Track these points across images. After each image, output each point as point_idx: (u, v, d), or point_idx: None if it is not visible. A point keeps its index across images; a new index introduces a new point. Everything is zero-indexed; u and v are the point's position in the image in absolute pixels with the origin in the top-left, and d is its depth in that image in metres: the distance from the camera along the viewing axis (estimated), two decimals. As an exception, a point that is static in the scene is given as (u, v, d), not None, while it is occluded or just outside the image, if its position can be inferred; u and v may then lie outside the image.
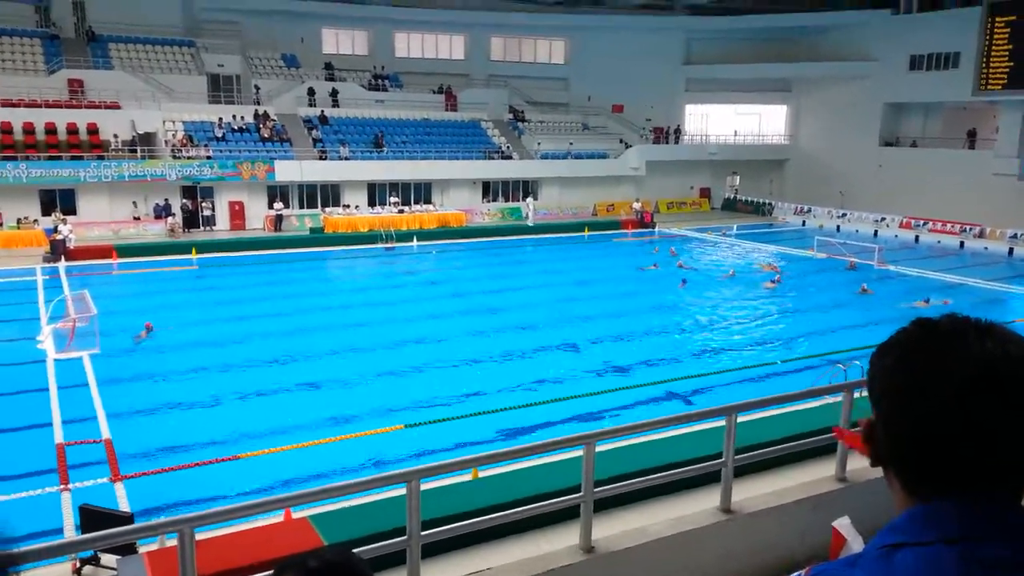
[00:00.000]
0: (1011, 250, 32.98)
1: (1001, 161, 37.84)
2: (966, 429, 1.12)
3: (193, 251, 29.15)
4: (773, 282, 25.70)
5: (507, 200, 41.35)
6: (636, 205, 40.84)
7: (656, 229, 38.54)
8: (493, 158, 40.45)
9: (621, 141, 45.16)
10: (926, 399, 1.14)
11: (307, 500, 5.20)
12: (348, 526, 6.46)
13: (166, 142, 33.98)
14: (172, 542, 6.01)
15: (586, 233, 37.22)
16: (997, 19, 36.67)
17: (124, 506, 9.72)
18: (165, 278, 26.03)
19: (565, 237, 36.37)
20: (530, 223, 38.29)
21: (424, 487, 4.99)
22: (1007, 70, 36.58)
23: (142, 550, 6.60)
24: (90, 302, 18.75)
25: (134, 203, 32.86)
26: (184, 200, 33.67)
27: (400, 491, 5.10)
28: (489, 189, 41.01)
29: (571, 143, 42.71)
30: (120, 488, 10.47)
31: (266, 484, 10.51)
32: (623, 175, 43.40)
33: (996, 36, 36.76)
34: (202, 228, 34.01)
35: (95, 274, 25.74)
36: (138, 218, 32.80)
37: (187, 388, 14.67)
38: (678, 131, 48.08)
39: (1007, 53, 36.46)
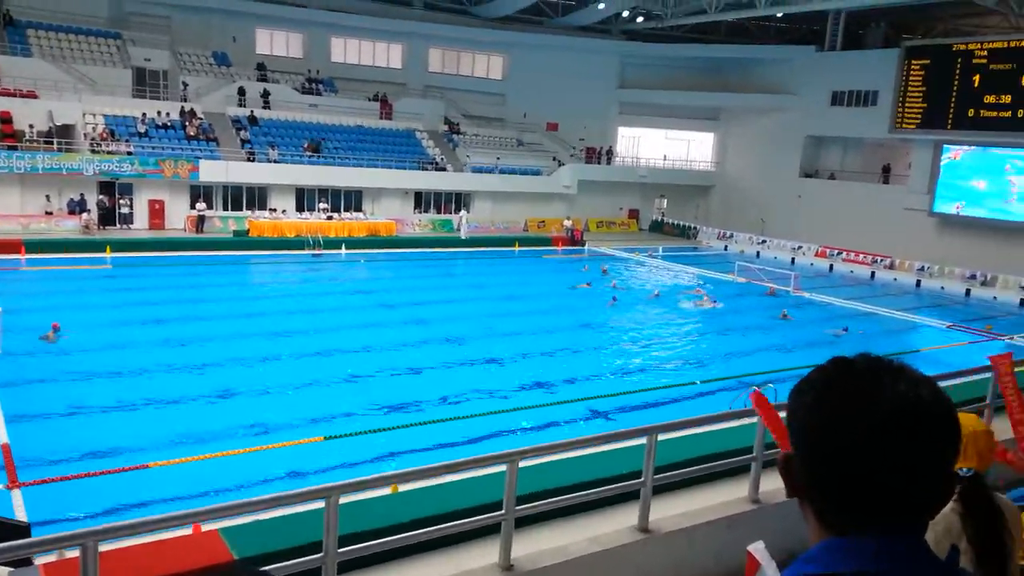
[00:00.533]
0: (918, 282, 34.65)
1: (913, 197, 39.82)
2: (878, 466, 1.17)
3: (107, 249, 28.02)
4: (712, 301, 26.38)
5: (439, 212, 41.23)
6: (567, 222, 41.31)
7: (586, 247, 39.04)
8: (427, 169, 40.31)
9: (554, 159, 45.66)
10: (841, 436, 1.20)
11: (220, 515, 5.02)
12: (261, 540, 6.25)
13: (85, 135, 32.64)
14: (72, 553, 5.71)
15: (516, 248, 37.40)
16: (913, 62, 38.69)
17: (21, 515, 9.20)
18: (76, 276, 24.93)
19: (496, 251, 36.46)
20: (462, 236, 38.24)
21: (342, 500, 4.88)
22: (920, 111, 38.60)
23: (38, 562, 6.24)
24: (-7, 298, 17.81)
25: (47, 197, 31.40)
26: (101, 196, 32.36)
27: (318, 504, 4.98)
28: (421, 200, 40.81)
29: (498, 158, 42.87)
30: (17, 496, 9.91)
31: (175, 495, 10.11)
32: (555, 192, 43.85)
33: (911, 78, 38.77)
34: (119, 226, 32.73)
35: (1, 270, 24.46)
36: (51, 213, 31.35)
37: (94, 392, 14.03)
38: (610, 152, 48.91)
39: (921, 95, 38.48)
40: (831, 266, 38.04)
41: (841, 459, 1.19)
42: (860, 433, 1.17)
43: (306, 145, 37.72)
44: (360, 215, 37.60)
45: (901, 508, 1.19)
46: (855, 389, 1.22)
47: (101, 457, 11.32)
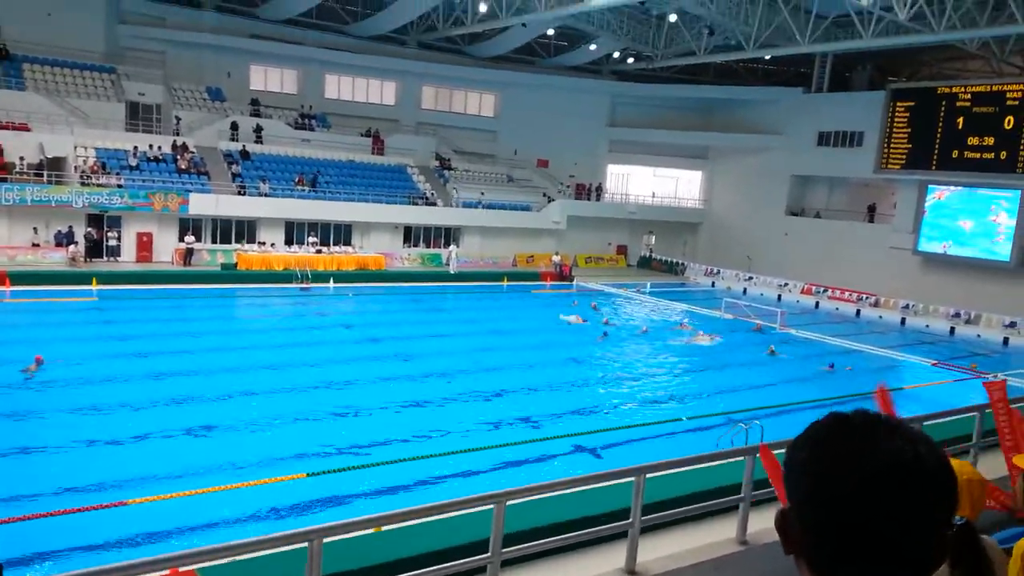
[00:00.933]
0: (903, 320, 34.84)
1: (898, 236, 40.24)
2: (873, 515, 1.18)
3: (94, 282, 27.85)
4: (710, 337, 26.48)
5: (428, 246, 41.36)
6: (556, 258, 41.47)
7: (574, 283, 39.12)
8: (417, 204, 40.49)
9: (544, 195, 45.98)
10: (837, 491, 1.21)
11: (200, 559, 4.92)
12: (241, 582, 6.13)
13: (76, 168, 32.65)
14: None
15: (505, 283, 37.44)
16: (898, 104, 39.38)
17: (-5, 554, 9.00)
18: (62, 309, 24.76)
19: (484, 286, 36.47)
20: (451, 270, 38.29)
21: (324, 540, 4.81)
22: (906, 151, 39.20)
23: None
24: (-24, 331, 17.63)
25: (35, 229, 31.30)
26: (89, 228, 32.27)
27: (300, 544, 4.90)
28: (411, 234, 40.94)
29: (482, 192, 43.08)
30: (-10, 534, 9.72)
31: (154, 533, 9.95)
32: (544, 228, 44.10)
33: (897, 119, 39.43)
34: (106, 258, 32.59)
35: (-15, 301, 24.30)
36: (37, 245, 31.22)
37: (74, 427, 13.83)
38: (600, 189, 49.33)
39: (906, 136, 39.11)
40: (817, 303, 38.24)
41: (836, 507, 1.20)
42: (856, 484, 1.19)
43: (298, 178, 37.84)
44: (349, 249, 37.62)
45: (895, 561, 1.19)
46: (851, 444, 1.23)
47: (79, 493, 11.11)
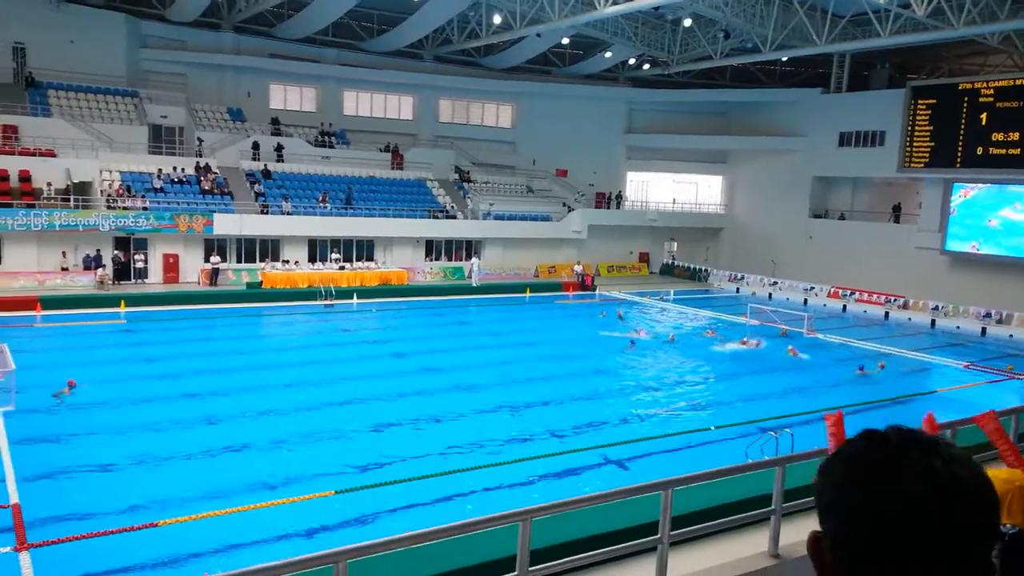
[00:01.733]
0: (933, 322, 34.27)
1: (923, 235, 39.67)
2: (911, 547, 1.13)
3: (122, 304, 28.21)
4: (756, 342, 26.35)
5: (450, 259, 41.46)
6: (577, 268, 41.36)
7: (597, 292, 38.98)
8: (438, 217, 40.65)
9: (564, 204, 45.95)
10: (873, 516, 1.16)
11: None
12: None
13: (102, 192, 33.17)
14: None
15: (528, 294, 37.40)
16: (919, 102, 38.90)
17: (29, 579, 9.11)
18: (91, 332, 25.07)
19: (507, 298, 36.45)
20: (474, 283, 38.31)
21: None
22: (929, 149, 38.67)
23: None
24: (8, 357, 17.86)
25: (63, 253, 31.80)
26: (116, 251, 32.73)
27: (326, 565, 4.88)
28: (432, 248, 41.06)
29: (491, 204, 42.78)
30: (25, 558, 9.81)
31: (184, 554, 10.00)
32: (565, 238, 44.05)
33: (919, 117, 38.94)
34: (133, 280, 33.03)
35: (16, 327, 24.63)
36: (66, 269, 31.70)
37: (107, 449, 13.98)
38: (619, 197, 49.21)
39: (928, 133, 38.60)
40: (844, 307, 37.74)
41: (870, 540, 1.16)
42: (892, 514, 1.14)
43: (322, 196, 38.14)
44: (372, 264, 37.83)
45: None
46: (886, 467, 1.18)
47: (109, 516, 11.21)
